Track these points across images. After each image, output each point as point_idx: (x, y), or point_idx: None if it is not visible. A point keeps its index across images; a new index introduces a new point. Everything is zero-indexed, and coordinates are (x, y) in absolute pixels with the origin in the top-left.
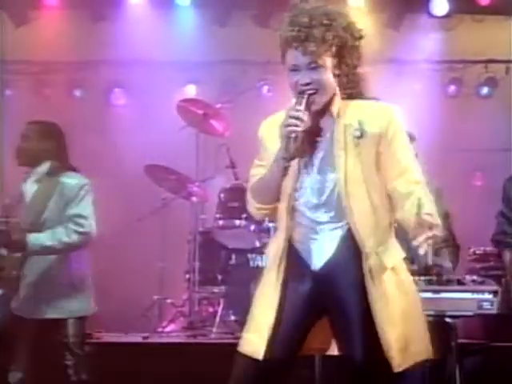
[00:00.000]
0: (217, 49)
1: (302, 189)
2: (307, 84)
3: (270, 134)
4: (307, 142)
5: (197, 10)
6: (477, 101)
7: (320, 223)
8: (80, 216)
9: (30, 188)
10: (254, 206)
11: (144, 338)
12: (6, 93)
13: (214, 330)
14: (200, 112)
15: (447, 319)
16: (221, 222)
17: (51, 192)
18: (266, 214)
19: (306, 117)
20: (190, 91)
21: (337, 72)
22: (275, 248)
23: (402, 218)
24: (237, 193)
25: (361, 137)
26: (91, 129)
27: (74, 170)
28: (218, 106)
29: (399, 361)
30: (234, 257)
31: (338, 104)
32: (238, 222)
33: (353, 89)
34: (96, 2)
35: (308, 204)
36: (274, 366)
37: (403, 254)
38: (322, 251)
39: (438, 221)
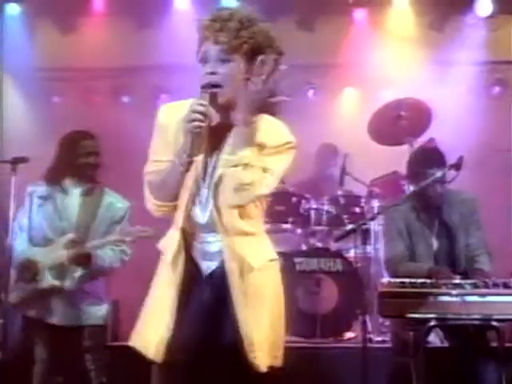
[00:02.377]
0: None
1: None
2: (212, 73)
3: (172, 123)
4: (211, 140)
5: None
6: None
7: (204, 226)
8: (124, 243)
9: (71, 201)
10: (152, 203)
11: None
12: (53, 100)
13: None
14: None
15: (493, 323)
16: (267, 226)
17: (97, 209)
18: (165, 212)
19: (210, 112)
20: None
21: (246, 76)
22: (169, 245)
23: None
24: (283, 197)
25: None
26: (138, 134)
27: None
28: None
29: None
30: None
31: (245, 109)
32: (284, 225)
33: (260, 101)
34: (142, 9)
35: (201, 204)
36: (177, 365)
37: (275, 256)
38: (209, 254)
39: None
